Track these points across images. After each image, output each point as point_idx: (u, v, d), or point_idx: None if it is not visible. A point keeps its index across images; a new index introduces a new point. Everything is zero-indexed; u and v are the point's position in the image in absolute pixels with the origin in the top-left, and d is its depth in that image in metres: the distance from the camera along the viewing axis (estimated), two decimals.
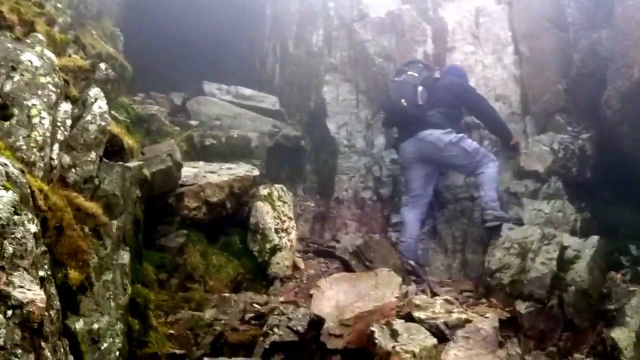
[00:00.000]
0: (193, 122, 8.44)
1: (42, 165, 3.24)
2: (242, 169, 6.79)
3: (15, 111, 3.22)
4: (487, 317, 5.15)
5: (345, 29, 9.58)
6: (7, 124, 3.16)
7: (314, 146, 9.17)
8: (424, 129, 6.87)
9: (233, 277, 5.77)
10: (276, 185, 6.82)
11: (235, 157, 7.83)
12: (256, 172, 6.86)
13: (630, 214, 6.80)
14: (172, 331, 4.74)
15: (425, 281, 6.43)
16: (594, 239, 5.88)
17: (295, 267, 6.31)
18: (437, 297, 5.53)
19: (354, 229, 7.55)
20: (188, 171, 6.17)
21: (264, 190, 6.58)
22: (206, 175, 6.25)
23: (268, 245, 6.14)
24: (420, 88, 6.96)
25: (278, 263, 6.08)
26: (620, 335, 4.84)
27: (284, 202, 6.64)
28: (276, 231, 6.25)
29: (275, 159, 8.70)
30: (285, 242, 6.24)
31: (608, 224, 6.68)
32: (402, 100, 6.90)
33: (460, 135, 6.91)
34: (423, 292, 5.94)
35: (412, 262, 6.53)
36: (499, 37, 8.37)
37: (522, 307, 5.43)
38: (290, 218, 6.54)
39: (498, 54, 8.29)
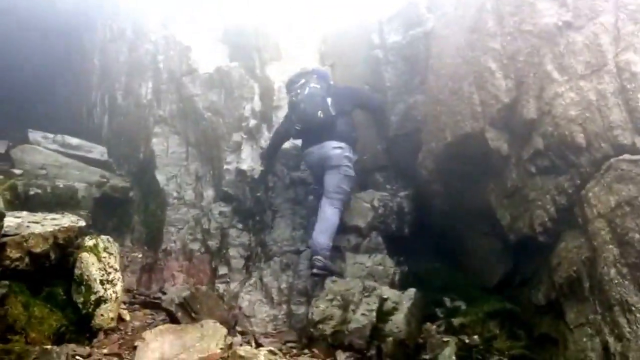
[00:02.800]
0: (17, 171, 8.14)
1: None
2: (67, 220, 6.58)
3: None
4: None
5: (174, 82, 9.66)
6: None
7: (143, 197, 9.09)
8: (331, 139, 7.26)
9: (56, 329, 5.56)
10: (102, 237, 6.62)
11: (61, 207, 7.64)
12: (82, 223, 6.66)
13: (443, 268, 7.21)
14: None
15: (339, 274, 6.70)
16: (411, 291, 6.15)
17: (120, 318, 6.20)
18: (261, 348, 5.50)
19: (181, 281, 7.54)
20: (11, 221, 5.89)
21: (89, 242, 6.38)
22: (30, 226, 5.99)
23: (93, 297, 5.94)
24: (329, 99, 7.31)
25: (102, 315, 5.93)
26: None
27: (110, 254, 6.50)
28: (101, 283, 6.09)
29: (103, 209, 8.55)
30: (111, 294, 6.11)
31: (424, 277, 7.02)
32: (320, 113, 7.20)
33: (352, 162, 7.30)
34: (248, 343, 6.02)
35: (322, 259, 6.70)
36: None
37: (342, 357, 5.57)
38: (116, 270, 6.42)
39: None
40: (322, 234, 6.88)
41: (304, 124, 7.41)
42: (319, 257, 6.69)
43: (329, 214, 7.02)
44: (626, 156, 4.59)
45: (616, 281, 4.37)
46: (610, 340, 4.33)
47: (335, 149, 7.23)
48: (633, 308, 4.22)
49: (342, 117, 7.39)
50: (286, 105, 8.21)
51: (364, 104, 7.91)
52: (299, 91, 7.49)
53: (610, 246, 4.49)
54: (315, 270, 6.69)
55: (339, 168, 7.17)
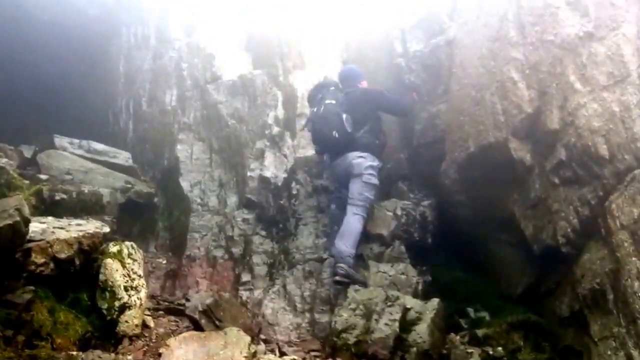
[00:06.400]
0: (43, 176, 8.21)
1: None
2: (92, 226, 6.63)
3: None
4: None
5: (198, 89, 9.81)
6: None
7: (167, 203, 9.20)
8: (353, 150, 7.30)
9: (81, 335, 5.59)
10: (126, 243, 6.64)
11: (86, 212, 7.71)
12: (106, 229, 6.70)
13: (466, 277, 7.19)
14: None
15: (362, 283, 6.69)
16: (435, 301, 6.11)
17: (144, 325, 6.23)
18: (285, 357, 5.60)
19: (205, 287, 7.58)
20: (36, 226, 5.93)
21: (113, 248, 6.40)
22: (55, 231, 6.02)
23: (117, 303, 5.97)
24: (344, 116, 7.29)
25: (127, 321, 5.96)
26: None
27: (134, 260, 6.53)
28: (125, 289, 6.13)
29: (128, 215, 8.63)
30: (135, 300, 6.15)
31: (447, 287, 6.99)
32: (334, 133, 7.24)
33: (375, 171, 7.29)
34: (272, 351, 6.04)
35: (345, 267, 6.70)
36: None
37: None
38: (140, 276, 6.45)
39: None
40: (345, 241, 6.87)
41: (320, 144, 7.58)
42: (342, 265, 6.68)
43: (351, 221, 7.02)
44: None
45: None
46: (635, 353, 4.29)
47: (357, 158, 7.26)
48: None
49: (364, 126, 7.41)
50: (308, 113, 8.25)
51: (386, 111, 7.84)
52: (314, 109, 7.59)
53: (634, 258, 4.46)
54: (337, 278, 6.69)
55: (361, 176, 7.18)
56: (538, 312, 6.11)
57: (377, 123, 7.62)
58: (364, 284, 6.70)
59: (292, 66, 9.45)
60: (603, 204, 4.94)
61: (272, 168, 8.39)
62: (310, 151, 8.23)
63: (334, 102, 7.44)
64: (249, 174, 8.45)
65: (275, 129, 8.74)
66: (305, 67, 9.37)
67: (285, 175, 8.34)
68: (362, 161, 7.24)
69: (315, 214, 7.89)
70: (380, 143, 7.54)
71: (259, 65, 9.74)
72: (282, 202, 8.11)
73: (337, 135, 7.24)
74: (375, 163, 7.32)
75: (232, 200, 8.66)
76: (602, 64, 5.02)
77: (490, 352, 5.55)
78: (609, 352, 4.63)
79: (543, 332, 5.84)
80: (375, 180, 7.26)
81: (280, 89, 9.19)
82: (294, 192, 8.10)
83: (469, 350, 5.59)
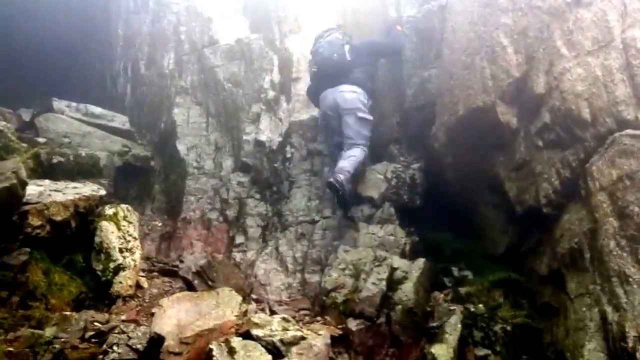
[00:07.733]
0: (41, 140, 8.30)
1: None
2: (89, 189, 6.75)
3: None
4: (320, 334, 5.42)
5: (196, 53, 9.82)
6: None
7: (164, 166, 9.29)
8: (347, 83, 7.53)
9: (75, 296, 5.75)
10: (122, 206, 6.80)
11: (83, 175, 7.80)
12: (102, 192, 6.83)
13: (452, 238, 7.29)
14: (11, 349, 4.73)
15: (348, 200, 7.09)
16: (421, 261, 6.30)
17: (138, 286, 6.37)
18: (275, 316, 5.72)
19: (199, 249, 7.71)
20: (33, 189, 6.07)
21: (109, 210, 6.56)
22: (51, 194, 6.17)
23: (112, 265, 6.14)
24: (347, 46, 7.63)
25: (121, 282, 6.12)
26: (440, 351, 5.18)
27: (130, 222, 6.68)
28: (120, 251, 6.27)
29: (125, 178, 8.74)
30: (129, 262, 6.29)
31: (434, 247, 7.11)
32: (335, 55, 7.54)
33: (367, 107, 7.55)
34: (262, 310, 6.20)
35: (341, 176, 6.95)
36: None
37: (353, 324, 5.72)
38: (135, 238, 6.59)
39: None
40: (346, 162, 7.15)
41: (320, 65, 7.69)
42: (339, 175, 6.93)
43: (354, 152, 7.29)
44: (629, 131, 4.63)
45: (615, 253, 4.44)
46: (608, 310, 4.41)
47: (350, 92, 7.48)
48: (630, 279, 4.29)
49: (360, 66, 7.62)
50: (305, 78, 8.46)
51: (382, 52, 8.12)
52: (321, 41, 7.79)
53: (611, 219, 4.56)
54: (331, 180, 6.93)
55: (356, 111, 7.40)
56: (519, 271, 6.23)
57: (373, 68, 7.91)
58: (349, 202, 7.09)
59: (289, 30, 9.46)
60: (584, 166, 5.02)
61: (268, 132, 8.47)
62: (304, 115, 8.32)
63: (340, 37, 7.77)
64: (244, 137, 8.55)
65: (271, 93, 8.79)
66: (301, 32, 9.37)
67: (280, 139, 8.44)
68: (356, 96, 7.48)
69: (308, 177, 7.98)
70: (372, 86, 7.75)
71: (255, 29, 9.75)
72: (276, 165, 8.22)
73: (336, 57, 7.52)
74: (367, 100, 7.55)
75: (228, 163, 8.74)
76: (588, 29, 5.07)
77: (472, 309, 5.66)
78: (584, 309, 4.75)
79: (522, 290, 5.97)
80: (369, 116, 7.49)
81: (277, 53, 9.22)
82: (289, 155, 8.19)
83: (452, 308, 5.74)
